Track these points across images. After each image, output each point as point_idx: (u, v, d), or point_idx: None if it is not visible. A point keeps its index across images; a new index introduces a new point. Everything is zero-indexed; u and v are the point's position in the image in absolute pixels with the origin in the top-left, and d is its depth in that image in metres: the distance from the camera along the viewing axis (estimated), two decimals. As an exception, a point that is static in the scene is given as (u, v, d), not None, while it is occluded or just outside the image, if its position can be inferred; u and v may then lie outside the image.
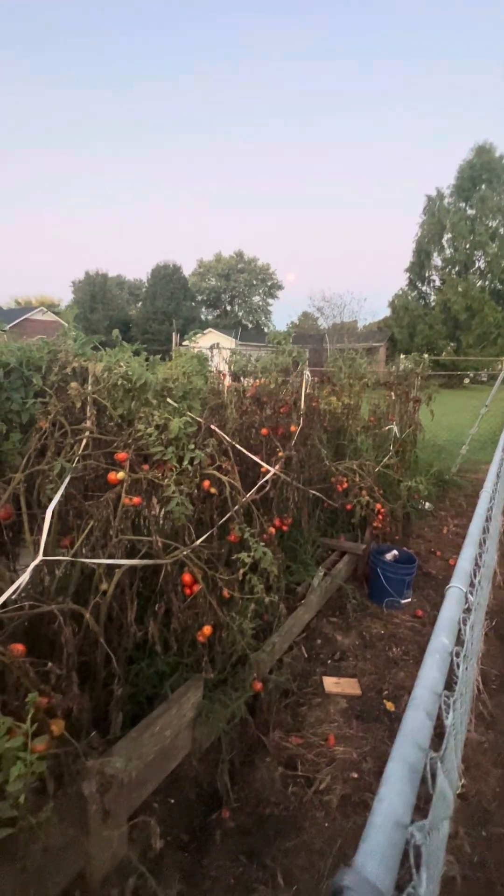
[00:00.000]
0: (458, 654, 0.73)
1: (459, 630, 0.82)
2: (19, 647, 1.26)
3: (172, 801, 1.86)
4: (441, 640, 0.75)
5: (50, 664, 1.29)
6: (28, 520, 1.74)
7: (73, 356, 1.99)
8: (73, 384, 1.87)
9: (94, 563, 1.69)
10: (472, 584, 1.02)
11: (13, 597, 1.45)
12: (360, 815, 1.84)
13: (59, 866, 1.33)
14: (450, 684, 0.77)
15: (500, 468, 2.56)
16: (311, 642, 2.94)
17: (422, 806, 0.69)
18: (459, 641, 0.81)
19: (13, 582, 1.52)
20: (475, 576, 1.10)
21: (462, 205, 33.10)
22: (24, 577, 1.49)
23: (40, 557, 1.55)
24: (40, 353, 1.92)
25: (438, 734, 0.82)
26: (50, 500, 1.66)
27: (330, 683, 2.56)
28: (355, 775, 2.02)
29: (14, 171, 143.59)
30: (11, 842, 1.03)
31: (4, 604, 1.43)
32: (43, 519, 1.63)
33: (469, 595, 0.93)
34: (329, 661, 2.79)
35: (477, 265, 32.68)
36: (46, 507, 1.65)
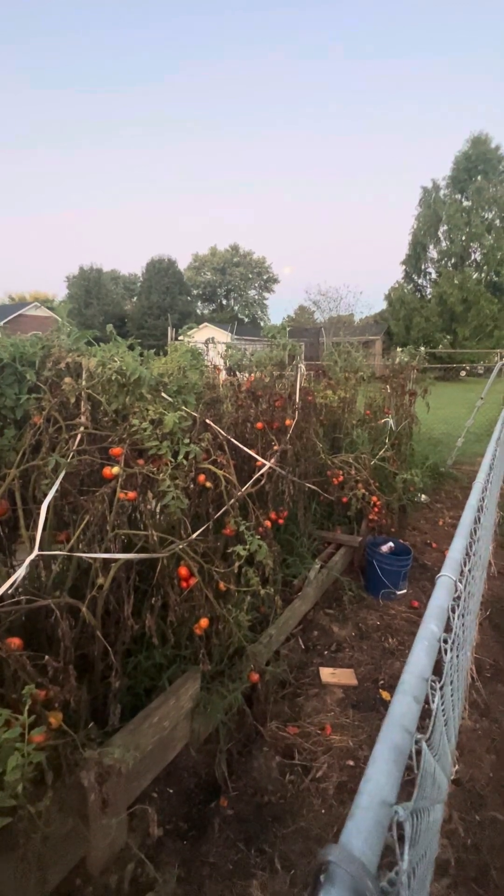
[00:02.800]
0: (446, 641, 0.75)
1: (449, 617, 0.83)
2: (16, 641, 1.27)
3: (171, 790, 1.89)
4: (430, 627, 0.76)
5: (47, 657, 1.30)
6: (24, 515, 1.75)
7: (66, 351, 1.99)
8: (67, 379, 1.87)
9: (91, 558, 1.70)
10: (462, 574, 1.04)
11: (10, 591, 1.46)
12: (357, 802, 1.87)
13: (59, 855, 1.35)
14: (439, 670, 0.79)
15: (494, 460, 2.58)
16: (308, 634, 2.96)
17: (414, 791, 0.70)
18: (449, 628, 0.83)
19: (10, 577, 1.53)
20: (466, 565, 1.12)
21: (458, 196, 32.93)
22: (21, 572, 1.50)
23: (36, 552, 1.56)
24: (33, 349, 1.92)
25: (430, 721, 0.84)
26: (45, 495, 1.66)
27: (326, 674, 2.59)
28: (351, 763, 2.06)
29: (8, 167, 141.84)
30: (11, 831, 1.05)
31: (1, 598, 1.44)
32: (38, 514, 1.64)
33: (459, 584, 0.95)
34: (326, 652, 2.82)
35: (473, 257, 32.60)
36: (42, 502, 1.66)
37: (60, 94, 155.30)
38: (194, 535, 1.95)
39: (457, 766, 1.99)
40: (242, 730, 2.13)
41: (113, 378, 1.96)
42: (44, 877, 1.28)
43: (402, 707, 0.59)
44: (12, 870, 1.11)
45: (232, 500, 2.13)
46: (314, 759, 2.07)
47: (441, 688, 0.70)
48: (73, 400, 1.88)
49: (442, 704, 0.74)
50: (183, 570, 1.84)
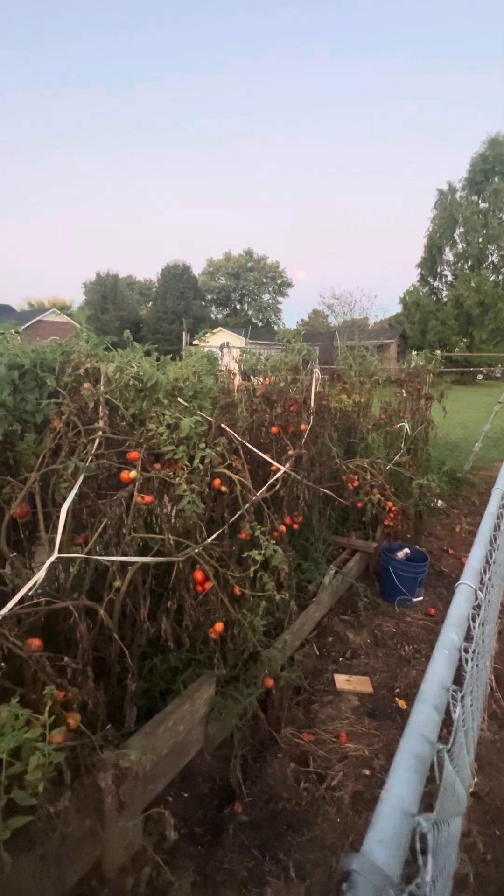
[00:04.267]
0: (466, 650, 0.74)
1: (469, 626, 0.82)
2: (36, 642, 1.29)
3: (186, 794, 1.89)
4: (450, 635, 0.75)
5: (66, 659, 1.32)
6: (43, 518, 1.78)
7: (85, 357, 2.03)
8: (86, 385, 1.90)
9: (108, 561, 1.72)
10: (482, 582, 1.03)
11: (30, 593, 1.49)
12: (373, 812, 1.84)
13: (76, 855, 1.36)
14: (459, 680, 0.78)
15: (513, 465, 2.54)
16: (323, 640, 2.94)
17: (434, 803, 0.69)
18: (469, 637, 0.82)
19: (30, 579, 1.56)
20: (486, 573, 1.10)
21: (475, 198, 32.58)
22: (41, 574, 1.53)
23: (56, 555, 1.58)
24: (53, 355, 1.96)
25: (450, 732, 0.83)
26: (64, 498, 1.69)
27: (341, 681, 2.57)
28: (367, 772, 2.03)
29: (25, 173, 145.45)
30: (31, 830, 1.06)
31: (22, 600, 1.47)
32: (58, 517, 1.67)
33: (479, 592, 0.93)
34: (341, 659, 2.79)
35: (490, 259, 32.16)
36: (61, 505, 1.69)
37: (75, 97, 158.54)
38: (210, 540, 1.96)
39: (475, 779, 1.95)
40: (257, 735, 2.13)
41: (130, 383, 1.99)
42: (61, 875, 1.30)
43: (423, 716, 0.58)
44: (32, 868, 1.13)
45: (247, 505, 2.14)
46: (329, 767, 2.05)
47: (462, 698, 0.69)
48: (91, 405, 1.91)
49: (461, 714, 0.73)
50: (198, 574, 1.85)
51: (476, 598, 0.89)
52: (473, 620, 0.84)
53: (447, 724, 0.75)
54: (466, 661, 0.74)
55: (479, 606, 0.91)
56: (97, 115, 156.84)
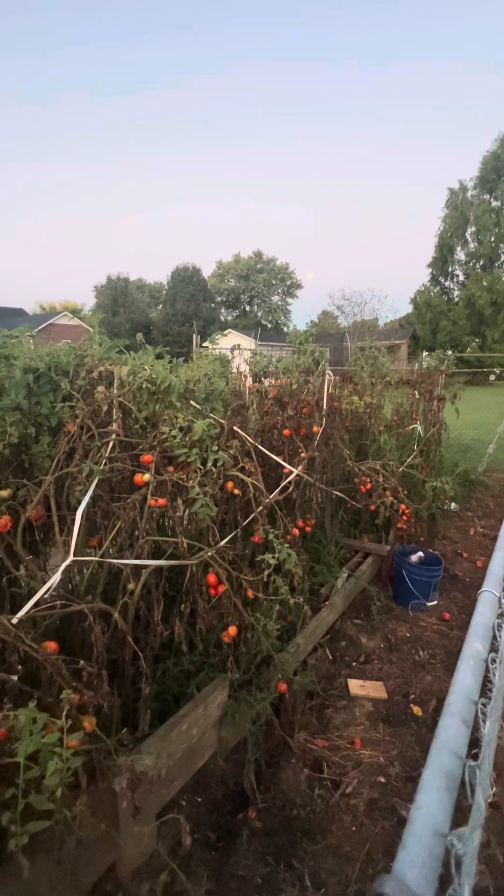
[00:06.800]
0: (493, 661, 0.72)
1: (494, 635, 0.80)
2: (52, 645, 1.30)
3: (199, 799, 1.88)
4: (475, 646, 0.73)
5: (82, 662, 1.32)
6: (58, 521, 1.79)
7: (98, 360, 2.04)
8: (100, 388, 1.91)
9: (122, 564, 1.72)
10: (505, 589, 1.00)
11: (46, 596, 1.49)
12: (389, 821, 1.82)
13: (91, 859, 1.36)
14: (485, 691, 0.76)
15: (531, 468, 2.48)
16: (336, 644, 2.91)
17: (457, 815, 0.67)
18: (494, 647, 0.80)
19: (45, 581, 1.56)
20: (508, 580, 1.07)
21: (486, 197, 32.24)
22: (56, 577, 1.53)
23: (71, 558, 1.59)
24: (67, 358, 1.97)
25: (470, 742, 0.81)
26: (79, 501, 1.70)
27: (355, 686, 2.54)
28: (382, 779, 2.00)
29: (33, 177, 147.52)
30: (48, 834, 1.06)
31: (37, 603, 1.48)
32: (72, 520, 1.67)
33: (502, 599, 0.91)
34: (354, 664, 2.76)
35: (503, 258, 31.77)
36: (75, 508, 1.69)
37: (82, 100, 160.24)
38: (223, 543, 1.95)
39: (494, 789, 1.91)
40: (270, 740, 2.11)
41: (143, 386, 1.99)
42: (77, 879, 1.30)
43: (451, 730, 0.57)
44: (48, 872, 1.13)
45: (260, 508, 2.13)
46: (343, 773, 2.02)
47: (490, 711, 0.67)
48: (105, 408, 1.92)
49: (490, 729, 0.71)
50: (211, 578, 1.85)
51: (500, 606, 0.87)
52: (499, 629, 0.82)
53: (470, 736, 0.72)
54: (494, 672, 0.72)
55: (503, 614, 0.89)
56: (108, 119, 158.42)
